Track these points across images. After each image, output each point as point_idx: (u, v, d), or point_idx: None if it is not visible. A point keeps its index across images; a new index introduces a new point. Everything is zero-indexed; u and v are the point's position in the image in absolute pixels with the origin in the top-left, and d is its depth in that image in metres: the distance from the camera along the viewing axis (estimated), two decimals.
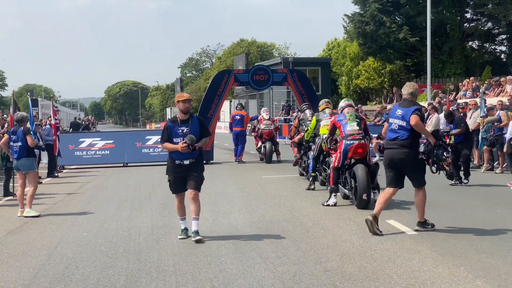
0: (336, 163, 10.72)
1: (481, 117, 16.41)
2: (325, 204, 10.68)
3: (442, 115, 18.61)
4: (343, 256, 7.09)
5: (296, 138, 15.14)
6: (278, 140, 21.65)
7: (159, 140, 8.59)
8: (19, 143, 10.92)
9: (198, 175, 8.21)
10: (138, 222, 9.69)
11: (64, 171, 20.25)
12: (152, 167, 20.13)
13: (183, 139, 7.98)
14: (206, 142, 8.33)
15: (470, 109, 17.49)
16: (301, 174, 15.12)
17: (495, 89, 24.78)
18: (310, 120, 13.57)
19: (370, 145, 10.95)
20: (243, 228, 8.96)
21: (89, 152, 21.03)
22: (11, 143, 11.15)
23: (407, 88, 8.48)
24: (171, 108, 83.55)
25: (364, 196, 10.10)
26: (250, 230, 8.82)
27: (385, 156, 8.47)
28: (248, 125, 22.56)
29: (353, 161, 10.57)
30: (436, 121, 18.69)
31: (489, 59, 37.65)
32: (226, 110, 50.91)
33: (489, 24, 37.78)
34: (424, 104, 24.76)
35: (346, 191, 10.79)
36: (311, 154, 13.23)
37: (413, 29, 35.48)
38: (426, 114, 21.25)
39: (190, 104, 8.23)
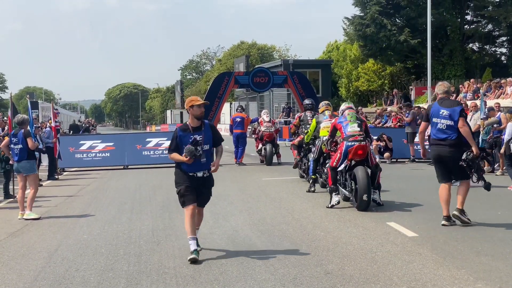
0: (334, 163, 10.72)
1: (481, 119, 16.41)
2: (329, 206, 10.68)
3: None
4: (344, 258, 7.08)
5: (296, 141, 15.15)
6: (278, 142, 21.65)
7: (167, 148, 7.63)
8: (20, 146, 10.93)
9: (208, 191, 7.54)
10: (139, 225, 9.68)
11: (65, 173, 20.24)
12: (153, 169, 20.15)
13: (196, 149, 7.14)
14: (222, 152, 7.62)
15: (470, 111, 17.50)
16: (302, 176, 15.11)
17: (495, 91, 24.79)
18: (310, 123, 13.58)
19: (371, 147, 10.97)
20: (243, 230, 8.95)
21: (90, 155, 21.03)
22: (12, 146, 11.15)
23: (442, 87, 8.95)
24: (171, 111, 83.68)
25: (365, 197, 10.10)
26: (251, 232, 8.82)
27: (433, 152, 8.91)
28: (248, 127, 22.56)
29: (353, 162, 10.58)
30: None
31: (489, 61, 37.65)
32: (227, 112, 50.97)
33: (490, 26, 37.78)
34: (424, 106, 24.77)
35: (347, 193, 10.79)
36: (311, 156, 13.24)
37: (414, 31, 35.48)
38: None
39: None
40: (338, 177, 10.87)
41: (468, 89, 26.78)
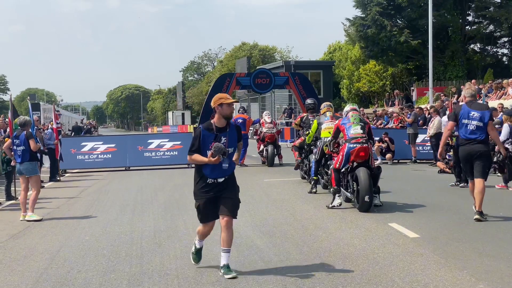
0: (337, 165, 10.75)
1: None
2: (330, 206, 10.71)
3: (444, 117, 18.63)
4: (346, 260, 7.08)
5: (297, 142, 15.16)
6: (280, 143, 21.65)
7: (188, 152, 6.62)
8: (22, 147, 10.94)
9: (234, 197, 6.68)
10: (140, 226, 9.69)
11: (66, 175, 20.26)
12: (154, 171, 20.16)
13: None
14: (241, 148, 6.96)
15: None
16: (303, 178, 15.11)
17: (497, 92, 24.78)
18: (312, 123, 13.59)
19: (373, 148, 10.98)
20: (245, 232, 8.95)
21: (91, 156, 21.04)
22: (14, 147, 11.17)
23: (470, 91, 9.65)
24: (172, 112, 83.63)
25: (366, 199, 10.11)
26: (252, 233, 8.82)
27: (463, 151, 9.36)
28: (250, 128, 22.56)
29: (355, 164, 10.59)
30: (438, 123, 18.71)
31: (491, 61, 37.66)
32: None
33: (491, 27, 37.78)
34: (425, 106, 24.78)
35: (348, 194, 10.79)
36: (312, 157, 13.24)
37: (415, 32, 35.49)
38: (428, 117, 21.36)
39: None
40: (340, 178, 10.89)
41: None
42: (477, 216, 9.12)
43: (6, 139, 14.41)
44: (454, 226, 8.86)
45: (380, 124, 25.69)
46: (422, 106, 25.11)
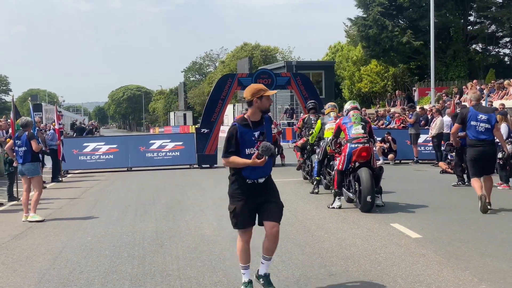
0: (340, 166, 10.75)
1: None
2: (330, 206, 10.75)
3: (446, 118, 18.62)
4: (348, 260, 7.08)
5: (299, 143, 15.15)
6: (281, 143, 21.64)
7: (223, 153, 5.89)
8: (24, 148, 10.95)
9: (278, 201, 5.88)
10: (142, 227, 9.69)
11: (68, 175, 20.29)
12: (156, 171, 20.17)
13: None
14: None
15: None
16: (305, 178, 15.11)
17: (499, 92, 24.75)
18: (315, 124, 13.58)
19: (374, 148, 10.97)
20: None
21: (93, 157, 21.07)
22: (16, 148, 11.19)
23: (476, 95, 10.33)
24: (174, 113, 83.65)
25: (368, 199, 10.10)
26: (254, 234, 8.77)
27: (473, 152, 10.14)
28: None
29: (357, 164, 10.58)
30: (440, 124, 18.71)
31: (493, 62, 37.62)
32: (230, 114, 50.95)
33: (493, 27, 37.75)
34: (427, 107, 24.77)
35: (350, 195, 10.79)
36: (315, 157, 13.23)
37: (417, 32, 35.47)
38: (430, 117, 21.34)
39: None
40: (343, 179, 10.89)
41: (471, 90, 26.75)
42: (485, 204, 9.83)
43: (8, 140, 14.42)
44: (456, 227, 8.85)
45: (382, 124, 25.67)
46: (426, 107, 25.09)
